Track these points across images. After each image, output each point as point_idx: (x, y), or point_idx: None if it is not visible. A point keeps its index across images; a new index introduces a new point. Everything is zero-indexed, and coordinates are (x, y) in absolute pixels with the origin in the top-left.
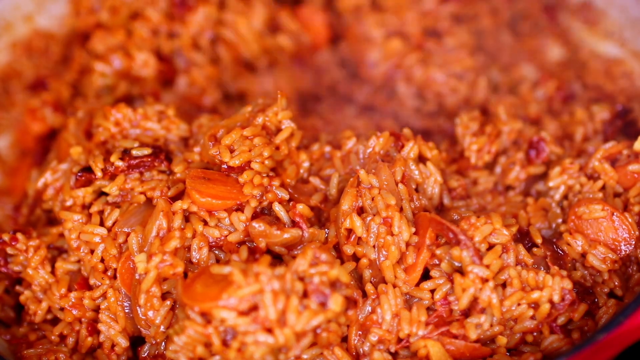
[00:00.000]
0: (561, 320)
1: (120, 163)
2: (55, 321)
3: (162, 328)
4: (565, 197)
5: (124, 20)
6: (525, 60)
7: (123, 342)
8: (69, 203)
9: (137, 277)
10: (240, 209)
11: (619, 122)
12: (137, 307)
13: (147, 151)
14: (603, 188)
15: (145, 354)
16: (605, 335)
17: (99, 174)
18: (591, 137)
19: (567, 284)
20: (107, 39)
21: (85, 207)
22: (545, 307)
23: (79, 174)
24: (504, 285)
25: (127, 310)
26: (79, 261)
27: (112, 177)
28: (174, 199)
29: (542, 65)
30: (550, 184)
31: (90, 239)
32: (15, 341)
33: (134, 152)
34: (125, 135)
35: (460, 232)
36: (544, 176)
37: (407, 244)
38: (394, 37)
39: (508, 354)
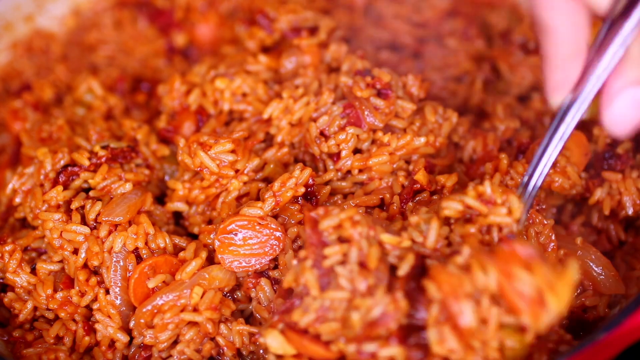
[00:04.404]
0: None
1: (103, 152)
2: (47, 320)
3: (165, 344)
4: None
5: None
6: (523, 61)
7: (123, 338)
8: (44, 208)
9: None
10: None
11: None
12: (142, 320)
13: (124, 144)
14: None
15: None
16: (605, 335)
17: (86, 162)
18: None
19: None
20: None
21: (61, 206)
22: None
23: (62, 168)
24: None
25: (121, 309)
26: (60, 261)
27: (95, 170)
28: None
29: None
30: None
31: (73, 238)
32: (13, 339)
33: (113, 145)
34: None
35: None
36: None
37: None
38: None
39: None
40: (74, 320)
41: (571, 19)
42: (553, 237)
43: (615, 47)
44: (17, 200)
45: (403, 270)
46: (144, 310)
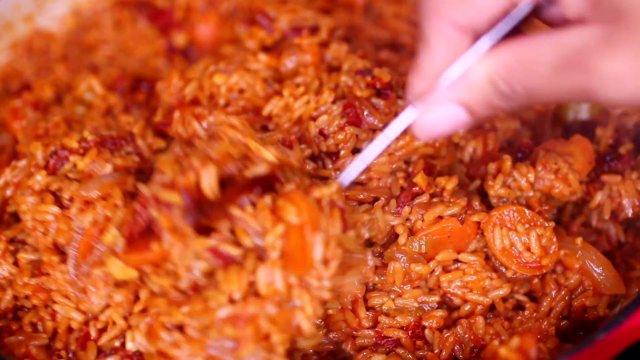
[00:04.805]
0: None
1: (91, 137)
2: (28, 309)
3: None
4: None
5: None
6: None
7: (78, 317)
8: (27, 194)
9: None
10: None
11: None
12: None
13: (114, 132)
14: None
15: None
16: (605, 335)
17: (75, 144)
18: None
19: None
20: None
21: (44, 192)
22: None
23: (52, 153)
24: None
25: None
26: (37, 250)
27: (84, 153)
28: None
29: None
30: None
31: (44, 218)
32: None
33: (103, 132)
34: None
35: None
36: None
37: None
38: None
39: None
40: (46, 306)
41: (451, 46)
42: (554, 240)
43: (458, 66)
44: (8, 193)
45: (251, 172)
46: (81, 273)
